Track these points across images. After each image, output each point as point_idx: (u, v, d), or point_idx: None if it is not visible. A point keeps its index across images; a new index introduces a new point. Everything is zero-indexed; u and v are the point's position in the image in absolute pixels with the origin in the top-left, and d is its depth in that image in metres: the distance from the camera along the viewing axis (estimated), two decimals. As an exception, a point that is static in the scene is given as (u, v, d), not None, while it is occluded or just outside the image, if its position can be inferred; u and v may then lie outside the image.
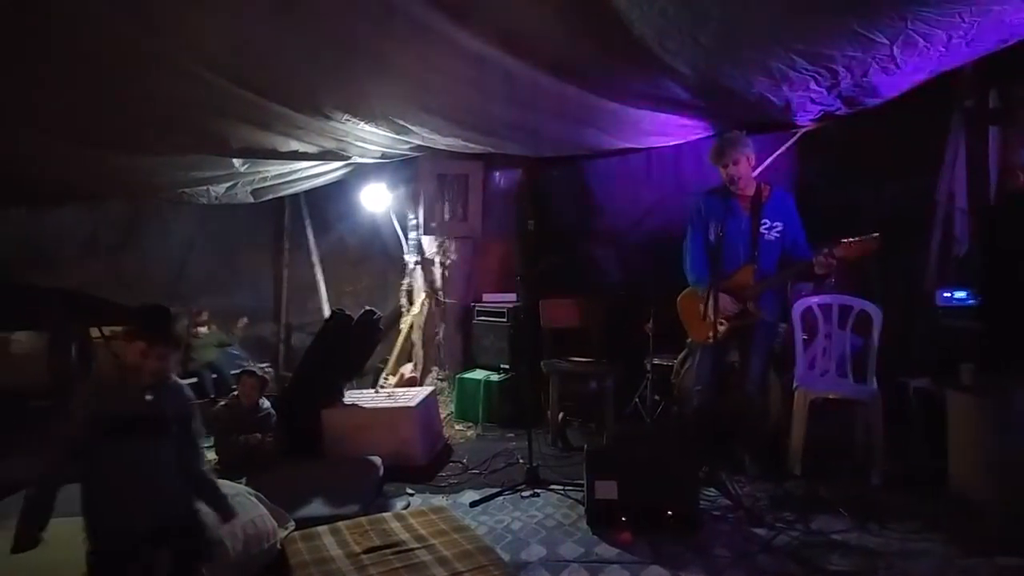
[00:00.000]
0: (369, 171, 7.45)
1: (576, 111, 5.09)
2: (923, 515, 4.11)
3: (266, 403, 5.55)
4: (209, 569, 3.03)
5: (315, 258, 8.62)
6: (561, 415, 6.02)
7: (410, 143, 5.90)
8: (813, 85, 4.53)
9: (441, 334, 7.35)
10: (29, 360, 7.31)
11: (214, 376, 7.19)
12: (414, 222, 7.59)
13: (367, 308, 6.11)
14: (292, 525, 3.87)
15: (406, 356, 7.64)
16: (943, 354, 4.65)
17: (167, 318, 3.03)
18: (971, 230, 5.09)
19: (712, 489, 4.55)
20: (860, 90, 4.68)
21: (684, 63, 4.06)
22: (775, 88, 4.61)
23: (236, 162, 5.98)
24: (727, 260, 4.69)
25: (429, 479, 5.14)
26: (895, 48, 3.87)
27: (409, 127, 5.28)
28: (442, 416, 6.50)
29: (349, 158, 6.41)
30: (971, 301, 4.78)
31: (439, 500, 4.67)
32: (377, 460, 4.98)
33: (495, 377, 6.68)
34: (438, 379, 7.28)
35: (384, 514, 3.84)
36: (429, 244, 7.49)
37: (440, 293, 7.38)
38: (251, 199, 7.45)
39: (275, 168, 6.56)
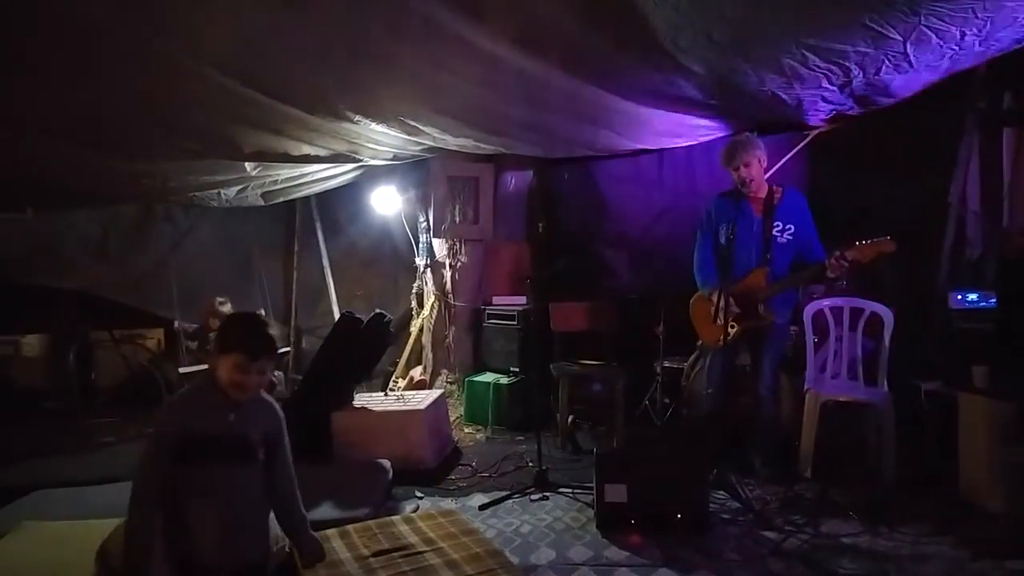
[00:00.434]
0: (380, 173, 7.46)
1: (589, 110, 5.09)
2: (934, 519, 4.09)
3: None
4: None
5: (325, 261, 8.61)
6: (571, 418, 6.00)
7: (421, 144, 5.91)
8: (825, 83, 4.50)
9: (451, 337, 7.35)
10: (39, 363, 7.37)
11: None
12: (424, 225, 7.59)
13: (377, 311, 6.10)
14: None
15: (416, 359, 7.65)
16: (955, 357, 4.62)
17: (264, 325, 2.80)
18: (984, 232, 5.08)
19: (722, 492, 4.52)
20: (872, 89, 4.65)
21: (697, 60, 4.05)
22: (787, 86, 4.59)
23: (247, 166, 5.99)
24: (739, 263, 4.68)
25: (438, 482, 5.13)
26: (908, 45, 3.85)
27: (420, 127, 5.28)
28: (451, 419, 6.51)
29: (360, 160, 6.42)
30: (983, 303, 4.76)
31: (448, 503, 4.66)
32: (386, 463, 4.97)
33: (505, 380, 6.67)
34: (448, 382, 7.28)
35: (393, 517, 3.83)
36: (439, 247, 7.50)
37: (450, 296, 7.38)
38: (262, 202, 7.48)
39: (286, 171, 6.57)
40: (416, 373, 7.38)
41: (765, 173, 4.83)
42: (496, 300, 7.13)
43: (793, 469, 4.82)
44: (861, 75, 4.36)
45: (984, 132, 5.10)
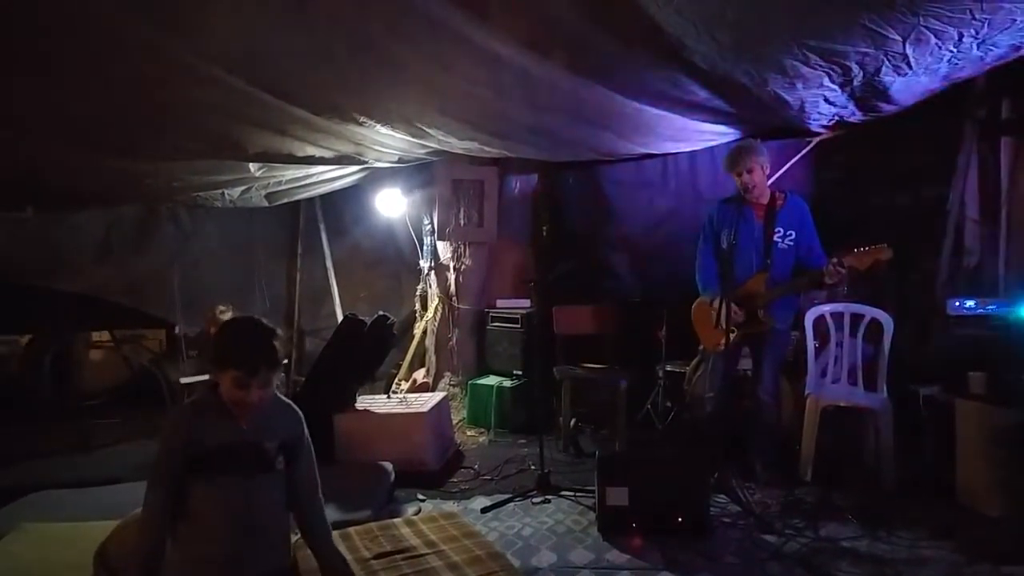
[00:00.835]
0: (384, 176, 7.47)
1: (593, 113, 5.08)
2: (932, 523, 4.13)
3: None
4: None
5: (329, 263, 8.62)
6: (573, 421, 6.04)
7: (426, 147, 5.91)
8: (827, 82, 4.49)
9: (454, 339, 7.36)
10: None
11: None
12: (429, 227, 7.60)
13: (380, 313, 6.13)
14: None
15: (419, 361, 7.66)
16: (953, 363, 4.65)
17: (263, 334, 2.50)
18: (982, 240, 5.11)
19: (723, 495, 4.56)
20: (873, 91, 4.66)
21: (702, 59, 4.05)
22: (789, 87, 4.58)
23: (252, 167, 5.99)
24: (740, 268, 4.71)
25: (440, 485, 5.16)
26: (907, 45, 3.86)
27: (426, 130, 5.28)
28: (454, 422, 6.53)
29: (365, 162, 6.42)
30: (980, 310, 4.80)
31: (450, 506, 4.69)
32: (388, 465, 5.00)
33: (507, 383, 6.69)
34: (451, 384, 7.28)
35: (395, 519, 3.83)
36: (443, 249, 7.50)
37: (454, 298, 7.39)
38: (266, 203, 7.47)
39: (290, 172, 6.58)
40: (419, 375, 7.41)
41: (768, 179, 4.85)
42: (500, 303, 7.14)
43: (793, 473, 4.84)
44: (862, 75, 4.37)
45: (983, 141, 5.14)
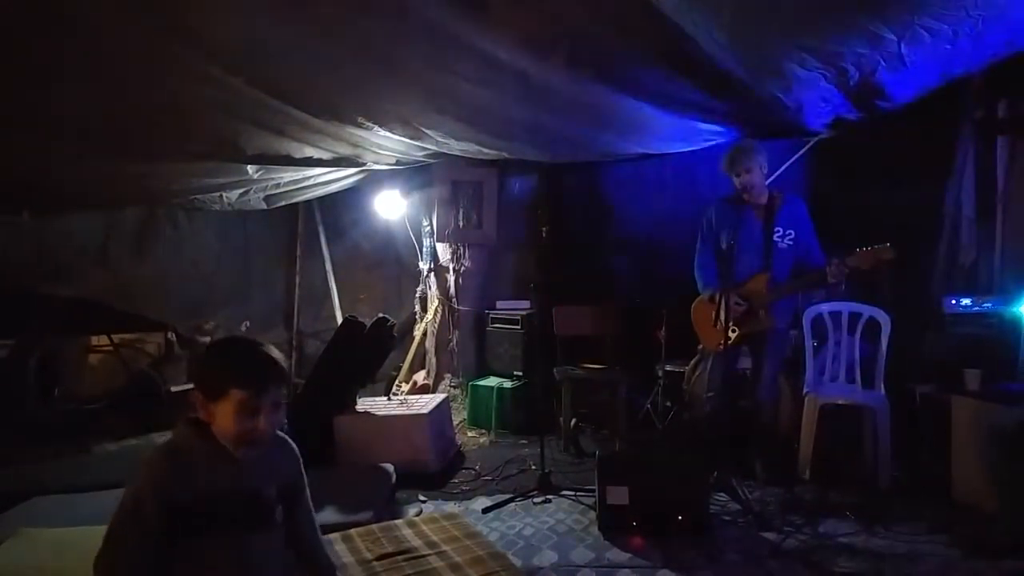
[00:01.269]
0: (383, 178, 7.46)
1: (592, 112, 5.06)
2: (928, 518, 4.17)
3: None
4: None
5: (328, 265, 8.60)
6: (573, 421, 6.05)
7: (425, 149, 5.92)
8: (823, 82, 4.48)
9: (454, 341, 7.37)
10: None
11: None
12: (428, 229, 7.60)
13: (380, 315, 6.14)
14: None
15: (419, 363, 7.66)
16: (949, 360, 4.68)
17: (261, 346, 2.15)
18: (979, 238, 5.14)
19: (722, 494, 4.59)
20: (870, 89, 4.67)
21: (703, 58, 4.06)
22: (786, 89, 4.59)
23: (250, 169, 5.98)
24: (740, 268, 4.74)
25: (441, 486, 5.17)
26: (902, 44, 3.87)
27: (424, 131, 5.28)
28: (455, 423, 6.53)
29: (364, 164, 6.43)
30: (976, 308, 4.83)
31: (451, 506, 4.70)
32: (389, 467, 5.00)
33: (508, 384, 6.71)
34: (451, 386, 7.29)
35: (396, 521, 3.84)
36: (443, 251, 7.50)
37: (454, 300, 7.39)
38: (264, 205, 7.44)
39: (289, 175, 6.58)
40: (420, 377, 7.41)
41: (767, 179, 4.87)
42: (500, 304, 7.15)
43: (792, 471, 4.87)
44: (858, 75, 4.37)
45: (979, 140, 5.16)
